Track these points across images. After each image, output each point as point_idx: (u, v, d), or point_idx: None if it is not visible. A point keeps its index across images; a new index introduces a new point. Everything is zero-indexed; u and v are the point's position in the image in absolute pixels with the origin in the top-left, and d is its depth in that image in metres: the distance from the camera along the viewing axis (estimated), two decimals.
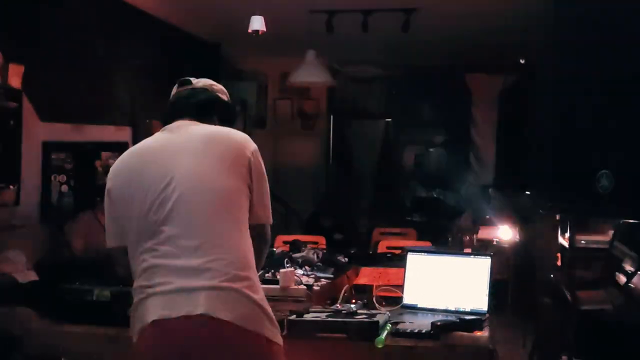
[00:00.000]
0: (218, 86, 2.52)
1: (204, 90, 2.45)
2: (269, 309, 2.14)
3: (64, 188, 6.16)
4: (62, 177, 6.15)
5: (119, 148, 6.11)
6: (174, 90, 2.48)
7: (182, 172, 2.16)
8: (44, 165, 6.10)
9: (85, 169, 6.17)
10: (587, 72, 1.81)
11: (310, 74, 5.91)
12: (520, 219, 6.03)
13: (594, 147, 1.80)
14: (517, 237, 5.90)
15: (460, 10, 6.41)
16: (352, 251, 4.53)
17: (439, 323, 2.61)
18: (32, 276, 5.10)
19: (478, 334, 2.65)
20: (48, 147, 6.11)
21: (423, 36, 7.03)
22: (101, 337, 2.68)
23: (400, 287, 3.22)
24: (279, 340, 2.12)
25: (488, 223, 6.19)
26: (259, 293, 2.13)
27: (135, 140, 6.15)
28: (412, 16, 6.34)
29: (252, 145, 2.31)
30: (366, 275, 3.82)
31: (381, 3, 6.15)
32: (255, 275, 2.17)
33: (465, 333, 2.63)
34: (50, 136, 6.09)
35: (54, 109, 6.00)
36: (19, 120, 5.73)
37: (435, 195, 8.88)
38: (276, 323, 2.15)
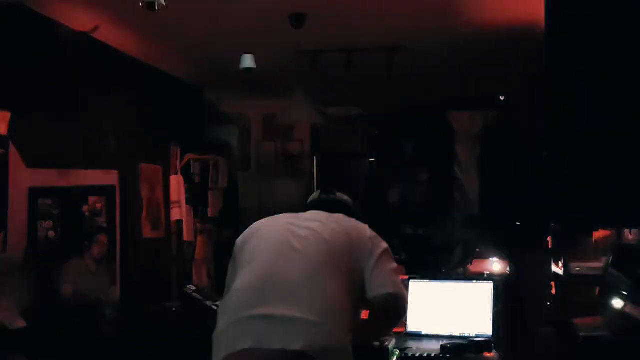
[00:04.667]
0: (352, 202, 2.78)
1: (347, 203, 2.73)
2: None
3: (51, 234, 6.09)
4: (49, 223, 6.08)
5: (106, 192, 6.09)
6: (317, 195, 2.77)
7: (308, 227, 2.39)
8: (31, 211, 6.03)
9: (72, 214, 6.11)
10: (595, 80, 1.84)
11: (299, 112, 5.95)
12: (509, 251, 6.05)
13: (604, 156, 1.81)
14: (508, 269, 5.92)
15: (442, 49, 6.52)
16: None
17: (448, 345, 2.60)
18: (21, 323, 5.03)
19: (487, 355, 2.65)
20: (34, 193, 6.05)
21: (406, 75, 7.13)
22: None
23: None
24: None
25: (479, 256, 6.20)
26: (349, 339, 2.18)
27: (123, 184, 6.14)
28: (395, 55, 6.43)
29: (372, 232, 2.49)
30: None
31: (365, 43, 6.24)
32: (349, 323, 2.22)
33: (474, 355, 2.62)
34: (37, 182, 6.04)
35: (40, 154, 5.96)
36: (5, 167, 5.70)
37: (421, 233, 8.90)
38: None
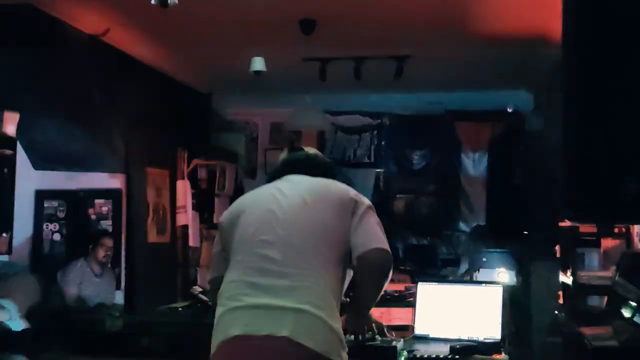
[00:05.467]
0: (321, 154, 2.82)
1: (316, 155, 2.74)
2: (344, 339, 2.28)
3: (56, 236, 6.10)
4: (55, 226, 6.09)
5: (113, 195, 6.08)
6: (285, 154, 2.77)
7: (290, 205, 2.39)
8: (37, 213, 6.05)
9: (78, 217, 6.10)
10: (612, 74, 1.83)
11: (308, 118, 5.94)
12: (516, 261, 6.02)
13: (619, 153, 1.80)
14: (514, 279, 5.89)
15: (450, 59, 6.52)
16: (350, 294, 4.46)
17: (457, 346, 2.57)
18: (24, 324, 5.01)
19: (497, 357, 2.62)
20: (41, 196, 6.07)
21: (414, 85, 7.13)
22: None
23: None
24: None
25: (486, 266, 6.17)
26: (338, 322, 2.26)
27: (130, 187, 6.13)
28: (404, 63, 6.42)
29: (353, 190, 2.51)
30: None
31: (374, 51, 6.23)
32: (336, 304, 2.30)
33: (484, 356, 2.59)
34: (44, 184, 6.05)
35: (48, 157, 5.97)
36: (12, 168, 5.70)
37: (426, 243, 8.87)
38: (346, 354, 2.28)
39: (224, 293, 2.31)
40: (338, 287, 2.34)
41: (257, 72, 4.55)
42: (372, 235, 2.37)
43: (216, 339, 2.25)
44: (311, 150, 2.78)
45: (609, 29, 1.91)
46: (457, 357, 2.63)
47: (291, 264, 2.26)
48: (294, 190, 2.47)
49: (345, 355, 2.26)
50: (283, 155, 2.76)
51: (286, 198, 2.43)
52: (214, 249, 2.56)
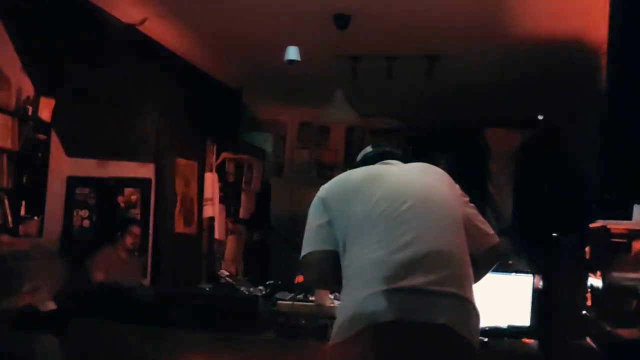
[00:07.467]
0: None
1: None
2: None
3: (86, 223, 6.19)
4: (85, 212, 6.19)
5: (142, 184, 6.16)
6: (369, 148, 2.63)
7: (414, 186, 2.27)
8: (68, 199, 6.15)
9: (107, 204, 6.19)
10: None
11: (337, 113, 5.94)
12: (543, 265, 5.96)
13: None
14: (541, 284, 5.83)
15: (482, 62, 6.49)
16: None
17: (487, 329, 2.56)
18: (52, 305, 5.10)
19: (526, 341, 2.60)
20: (72, 182, 6.17)
21: (445, 88, 7.11)
22: (142, 335, 2.63)
23: None
24: None
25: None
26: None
27: (159, 177, 6.20)
28: (435, 64, 6.42)
29: None
30: None
31: (406, 50, 6.23)
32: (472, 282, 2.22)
33: (513, 339, 2.58)
34: (75, 171, 6.14)
35: (81, 144, 6.06)
36: (46, 154, 5.79)
37: None
38: None
39: (362, 274, 2.11)
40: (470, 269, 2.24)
41: (291, 62, 4.56)
42: (488, 228, 2.37)
43: (357, 323, 2.04)
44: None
45: None
46: (485, 340, 2.63)
47: (434, 243, 2.13)
48: (410, 171, 2.38)
49: None
50: (367, 149, 2.62)
51: (406, 175, 2.33)
52: (313, 222, 2.31)
